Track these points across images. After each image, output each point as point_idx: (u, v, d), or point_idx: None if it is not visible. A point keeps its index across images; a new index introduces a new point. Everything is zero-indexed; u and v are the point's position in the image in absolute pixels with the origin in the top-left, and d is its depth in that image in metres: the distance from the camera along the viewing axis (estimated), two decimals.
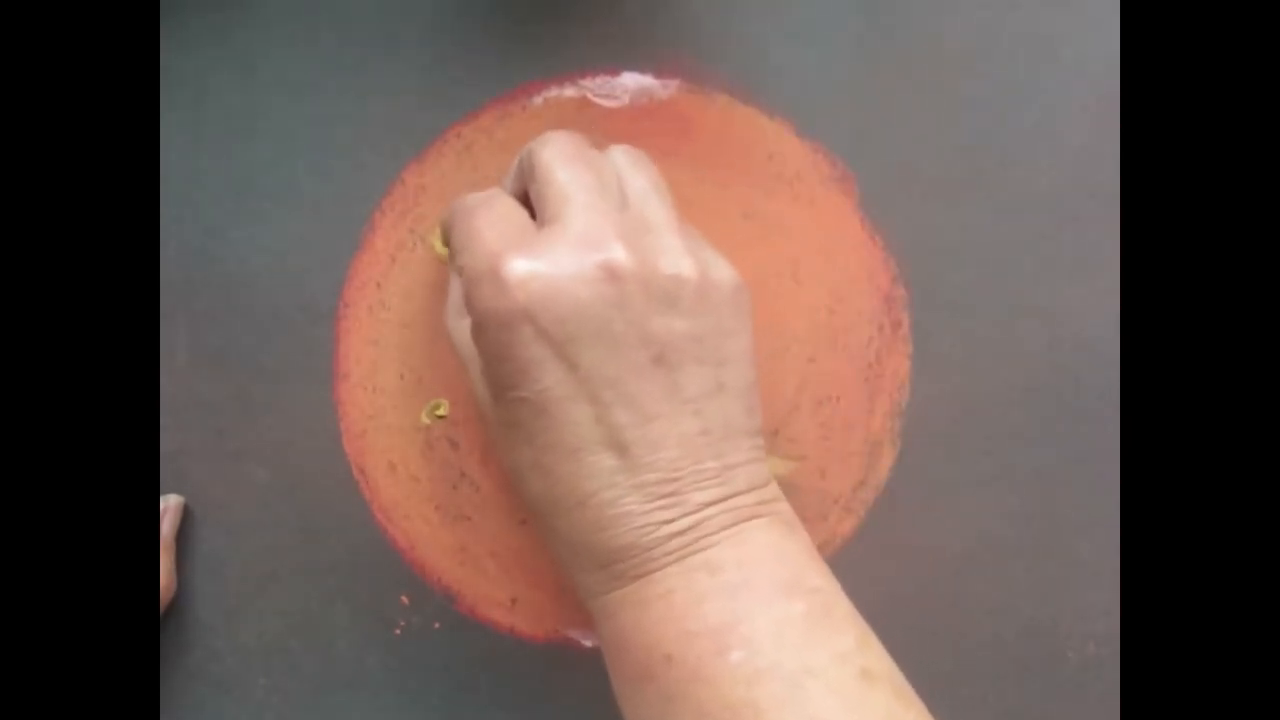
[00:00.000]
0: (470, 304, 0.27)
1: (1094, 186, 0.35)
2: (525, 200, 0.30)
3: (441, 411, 0.36)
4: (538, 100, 0.36)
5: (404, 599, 0.36)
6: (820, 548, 0.35)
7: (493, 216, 0.28)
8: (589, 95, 0.36)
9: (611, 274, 0.26)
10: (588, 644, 0.35)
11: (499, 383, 0.27)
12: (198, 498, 0.36)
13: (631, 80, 0.36)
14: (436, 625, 0.36)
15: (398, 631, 0.36)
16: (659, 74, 0.36)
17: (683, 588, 0.26)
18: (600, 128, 0.36)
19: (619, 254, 0.26)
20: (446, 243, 0.32)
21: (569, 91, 0.36)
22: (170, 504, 0.35)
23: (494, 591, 0.36)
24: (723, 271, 0.28)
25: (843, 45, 0.36)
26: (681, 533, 0.26)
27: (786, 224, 0.36)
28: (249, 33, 0.37)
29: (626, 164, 0.30)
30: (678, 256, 0.27)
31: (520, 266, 0.26)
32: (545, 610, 0.36)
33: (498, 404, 0.28)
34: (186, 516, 0.36)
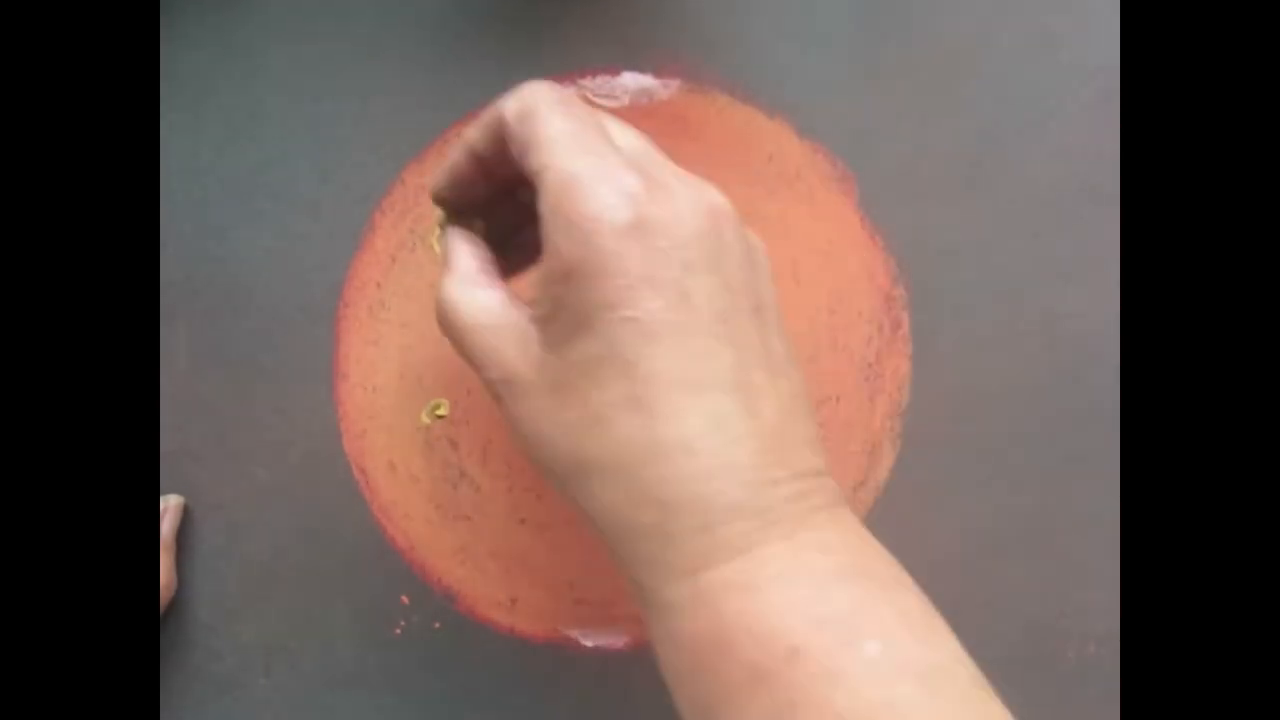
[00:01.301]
0: (575, 207, 0.24)
1: (1094, 186, 0.35)
2: (478, 162, 0.28)
3: (441, 411, 0.36)
4: None
5: (404, 599, 0.36)
6: None
7: (589, 122, 0.25)
8: (589, 95, 0.36)
9: (720, 217, 0.25)
10: (588, 644, 0.35)
11: (595, 302, 0.23)
12: (198, 498, 0.36)
13: (631, 80, 0.36)
14: (436, 625, 0.36)
15: (398, 631, 0.36)
16: (659, 74, 0.36)
17: (801, 567, 0.23)
18: None
19: (722, 201, 0.25)
20: (488, 151, 0.28)
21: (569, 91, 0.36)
22: (170, 504, 0.35)
23: (494, 591, 0.36)
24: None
25: (843, 45, 0.36)
26: (790, 500, 0.23)
27: (786, 224, 0.36)
28: (250, 32, 0.37)
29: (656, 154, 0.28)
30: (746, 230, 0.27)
31: (638, 181, 0.24)
32: (545, 610, 0.36)
33: (581, 337, 0.24)
34: (186, 516, 0.36)
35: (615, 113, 0.36)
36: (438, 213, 0.30)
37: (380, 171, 0.36)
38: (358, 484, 0.36)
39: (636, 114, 0.36)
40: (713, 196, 0.25)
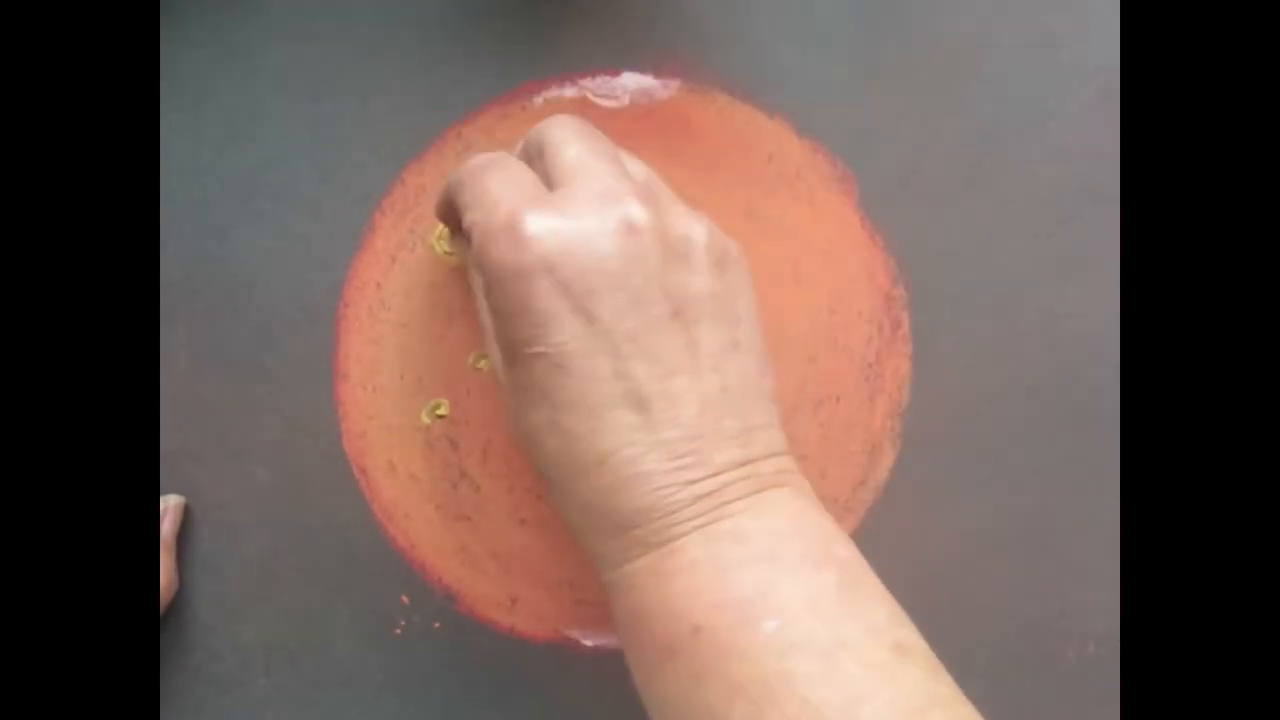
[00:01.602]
0: (484, 259, 0.26)
1: (1094, 186, 0.35)
2: None
3: (441, 411, 0.36)
4: (538, 100, 0.36)
5: (404, 599, 0.36)
6: None
7: (505, 175, 0.28)
8: (589, 95, 0.36)
9: (631, 228, 0.26)
10: (588, 644, 0.35)
11: (514, 338, 0.26)
12: (198, 498, 0.36)
13: (631, 80, 0.36)
14: (436, 625, 0.36)
15: (398, 631, 0.36)
16: (659, 74, 0.36)
17: (709, 556, 0.25)
18: (600, 128, 0.36)
19: (637, 210, 0.26)
20: (445, 216, 0.32)
21: (569, 91, 0.36)
22: (170, 504, 0.35)
23: (494, 591, 0.36)
24: (725, 237, 0.29)
25: (843, 45, 0.36)
26: (704, 496, 0.26)
27: (786, 224, 0.36)
28: (250, 32, 0.37)
29: (624, 154, 0.30)
30: (689, 219, 0.28)
31: (539, 219, 0.26)
32: (545, 610, 0.36)
33: (512, 366, 0.27)
34: (186, 516, 0.36)
35: (615, 113, 0.36)
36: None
37: (380, 171, 0.36)
38: (358, 484, 0.36)
39: (636, 114, 0.36)
40: (616, 214, 0.26)
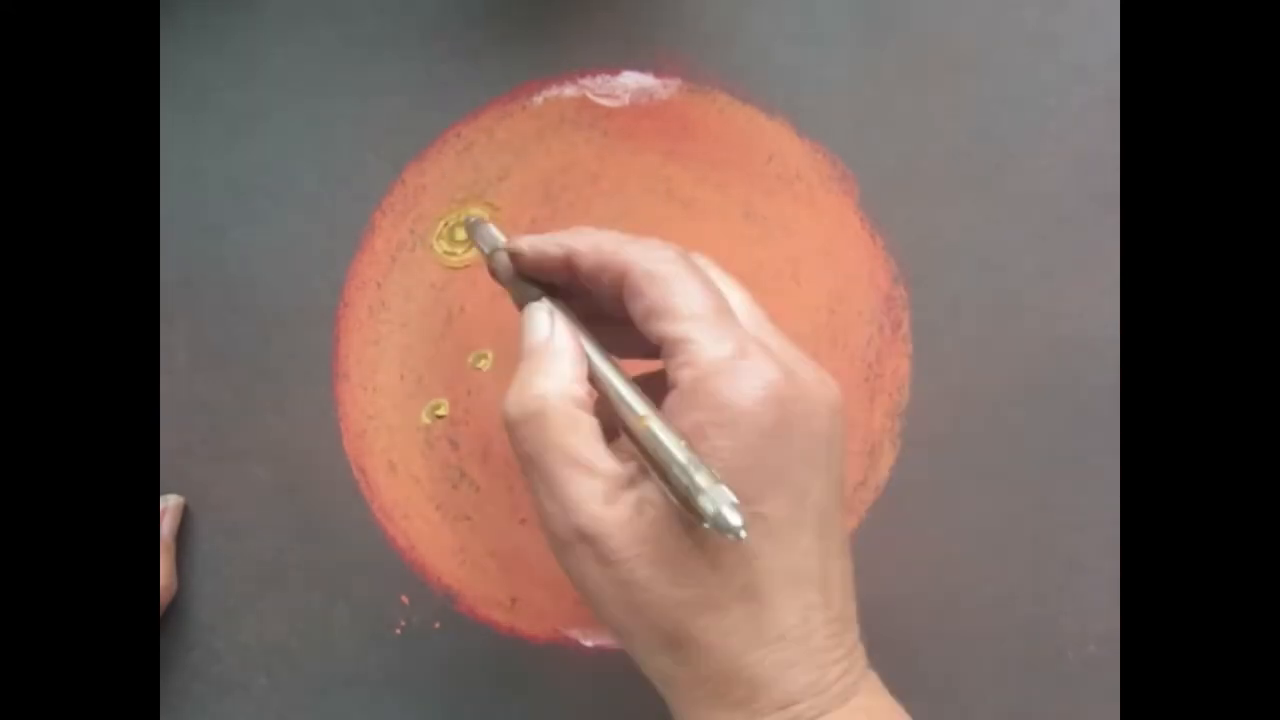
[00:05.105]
0: (722, 393, 0.24)
1: (1094, 186, 0.35)
2: (571, 271, 0.28)
3: (441, 411, 0.36)
4: (538, 100, 0.36)
5: (404, 599, 0.36)
6: None
7: (726, 310, 0.26)
8: (589, 95, 0.36)
9: (837, 411, 0.26)
10: (588, 644, 0.35)
11: (737, 493, 0.23)
12: (198, 498, 0.36)
13: (631, 80, 0.36)
14: (436, 625, 0.36)
15: (398, 631, 0.36)
16: (659, 74, 0.36)
17: None
18: (600, 127, 0.36)
19: (837, 392, 0.27)
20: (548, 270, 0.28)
21: (569, 91, 0.36)
22: (170, 504, 0.35)
23: (494, 591, 0.36)
24: None
25: (843, 45, 0.36)
26: (845, 673, 0.26)
27: (786, 224, 0.36)
28: (249, 33, 0.37)
29: (723, 280, 0.29)
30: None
31: (777, 374, 0.25)
32: (545, 610, 0.36)
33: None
34: (186, 516, 0.36)
35: (615, 112, 0.36)
36: (466, 215, 0.30)
37: (380, 171, 0.36)
38: (358, 484, 0.36)
39: (636, 114, 0.36)
40: (831, 388, 0.27)
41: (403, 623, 0.36)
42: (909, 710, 0.27)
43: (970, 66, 0.36)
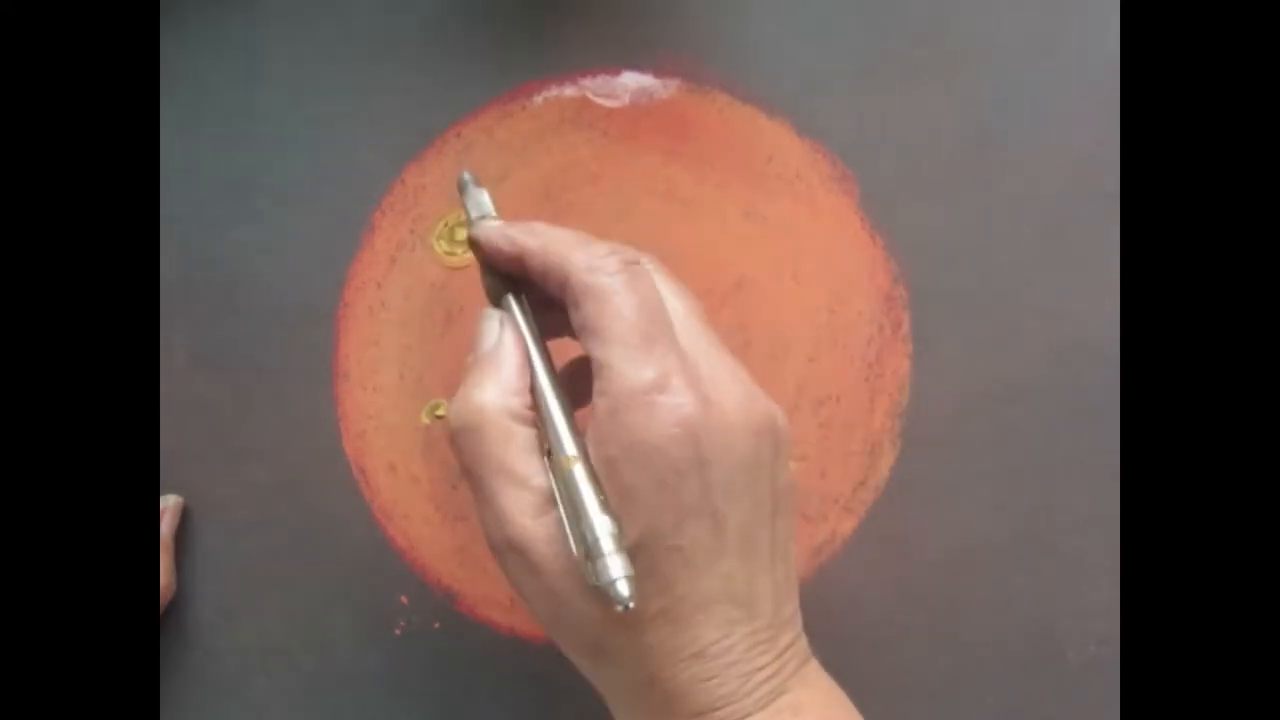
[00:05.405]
0: (637, 429, 0.24)
1: (1094, 186, 0.35)
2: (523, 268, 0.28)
3: (441, 411, 0.36)
4: (538, 100, 0.36)
5: (404, 599, 0.36)
6: (820, 548, 0.35)
7: (657, 329, 0.26)
8: (589, 95, 0.36)
9: (764, 434, 0.26)
10: None
11: (648, 528, 0.25)
12: (198, 498, 0.36)
13: (631, 80, 0.36)
14: (436, 625, 0.36)
15: (398, 631, 0.36)
16: (659, 74, 0.36)
17: None
18: (600, 128, 0.36)
19: (767, 413, 0.26)
20: (508, 267, 0.28)
21: (569, 91, 0.36)
22: (170, 504, 0.35)
23: (494, 591, 0.36)
24: None
25: (843, 45, 0.36)
26: (771, 677, 0.26)
27: (786, 224, 0.36)
28: (249, 32, 0.37)
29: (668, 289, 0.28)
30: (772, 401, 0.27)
31: (694, 404, 0.25)
32: None
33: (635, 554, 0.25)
34: (186, 516, 0.36)
35: (615, 112, 0.36)
36: (461, 172, 0.29)
37: (380, 171, 0.36)
38: (358, 484, 0.36)
39: (636, 114, 0.36)
40: (760, 410, 0.26)
41: (402, 623, 0.36)
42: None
43: (970, 66, 0.36)
